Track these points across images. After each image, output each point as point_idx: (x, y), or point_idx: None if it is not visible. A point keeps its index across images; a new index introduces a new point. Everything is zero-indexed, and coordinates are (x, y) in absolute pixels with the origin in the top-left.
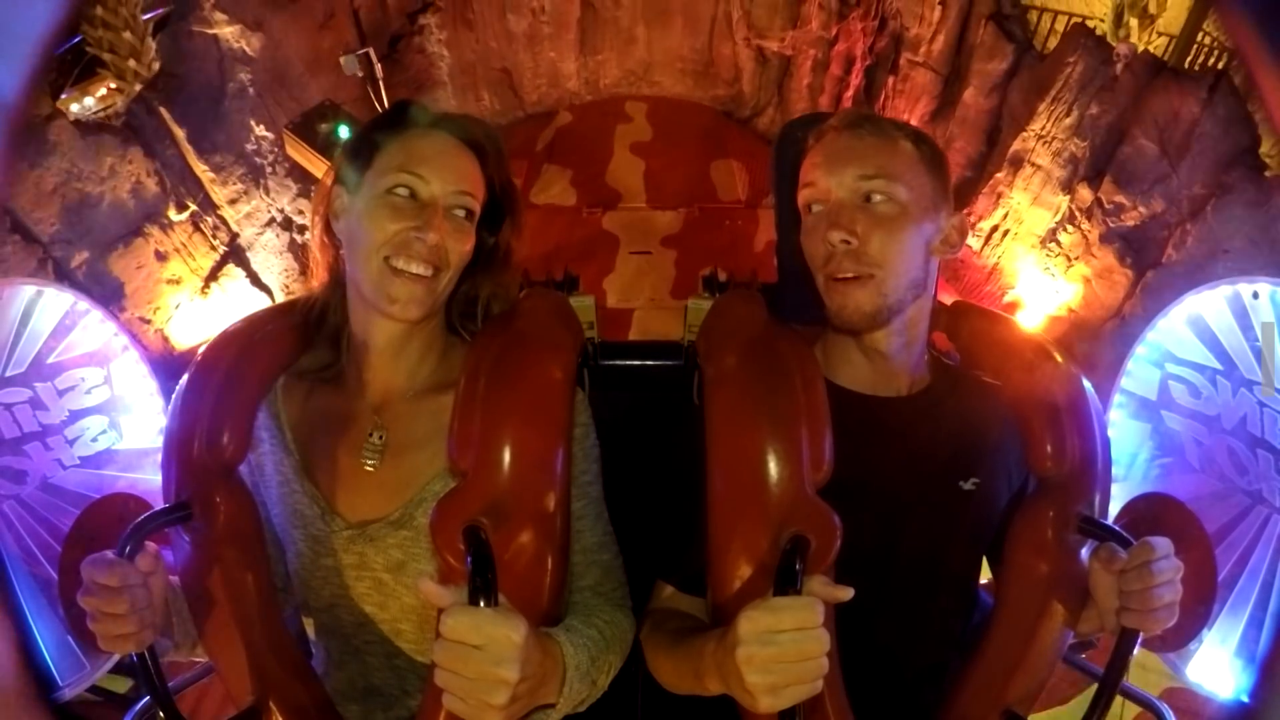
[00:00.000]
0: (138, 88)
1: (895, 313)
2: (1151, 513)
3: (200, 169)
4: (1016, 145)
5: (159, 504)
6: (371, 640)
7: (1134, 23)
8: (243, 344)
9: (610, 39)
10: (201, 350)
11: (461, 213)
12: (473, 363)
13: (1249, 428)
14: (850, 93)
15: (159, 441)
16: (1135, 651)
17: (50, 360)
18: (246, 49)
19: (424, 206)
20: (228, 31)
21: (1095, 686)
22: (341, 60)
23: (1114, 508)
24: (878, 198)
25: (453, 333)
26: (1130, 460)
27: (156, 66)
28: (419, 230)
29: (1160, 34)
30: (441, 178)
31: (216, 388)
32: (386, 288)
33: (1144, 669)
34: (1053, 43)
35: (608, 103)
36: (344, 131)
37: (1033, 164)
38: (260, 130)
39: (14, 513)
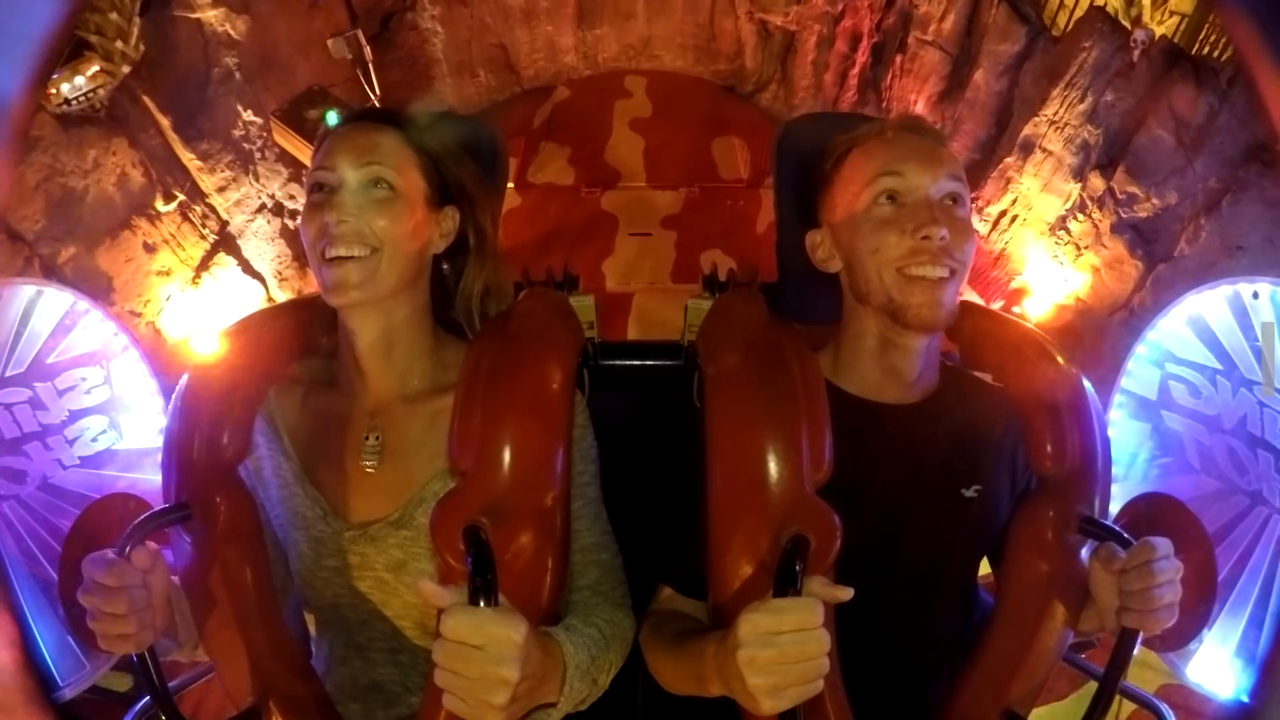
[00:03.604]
0: (125, 69)
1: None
2: (1151, 513)
3: (187, 157)
4: (1027, 130)
5: (159, 504)
6: (375, 636)
7: (1146, 1)
8: (243, 344)
9: (609, 12)
10: (202, 351)
11: (380, 188)
12: (472, 363)
13: (1249, 428)
14: (856, 70)
15: (159, 441)
16: (1135, 651)
17: (50, 360)
18: (232, 32)
19: (331, 193)
20: (212, 15)
21: (1093, 683)
22: (329, 43)
23: (1114, 508)
24: (959, 208)
25: (450, 333)
26: (1130, 460)
27: (143, 48)
28: (326, 215)
29: (1173, 13)
30: (344, 160)
31: (216, 388)
32: (324, 279)
33: (1144, 665)
34: (1062, 19)
35: (607, 78)
36: (332, 118)
37: (1044, 150)
38: (248, 115)
39: (14, 513)
